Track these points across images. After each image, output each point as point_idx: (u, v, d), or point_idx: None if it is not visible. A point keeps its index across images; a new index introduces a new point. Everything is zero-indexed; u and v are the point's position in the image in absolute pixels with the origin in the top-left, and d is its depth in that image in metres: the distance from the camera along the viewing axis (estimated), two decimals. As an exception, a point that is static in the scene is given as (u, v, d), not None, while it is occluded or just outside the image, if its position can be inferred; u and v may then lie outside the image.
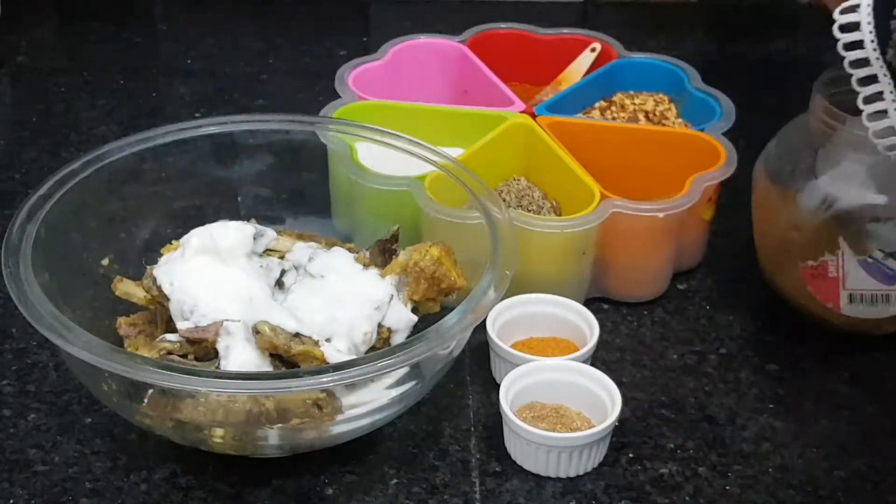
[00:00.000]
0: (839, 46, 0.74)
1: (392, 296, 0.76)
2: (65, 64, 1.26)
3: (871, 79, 0.72)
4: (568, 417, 0.75)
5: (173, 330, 0.74)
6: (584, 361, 0.79)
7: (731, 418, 0.79)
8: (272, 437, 0.71)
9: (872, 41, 0.72)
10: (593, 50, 1.06)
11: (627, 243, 0.86)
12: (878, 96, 0.72)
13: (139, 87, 1.19)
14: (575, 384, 0.76)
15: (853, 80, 0.72)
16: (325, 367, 0.68)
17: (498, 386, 0.80)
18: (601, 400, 0.75)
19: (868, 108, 0.72)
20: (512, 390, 0.75)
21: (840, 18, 0.75)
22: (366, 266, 0.79)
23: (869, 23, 0.73)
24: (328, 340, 0.73)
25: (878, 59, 0.72)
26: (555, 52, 1.07)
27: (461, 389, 0.81)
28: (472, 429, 0.78)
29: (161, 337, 0.74)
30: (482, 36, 1.08)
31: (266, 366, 0.72)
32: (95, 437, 0.76)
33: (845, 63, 0.73)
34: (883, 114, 0.72)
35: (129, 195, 0.84)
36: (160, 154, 0.84)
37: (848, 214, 0.80)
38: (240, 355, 0.72)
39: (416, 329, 0.76)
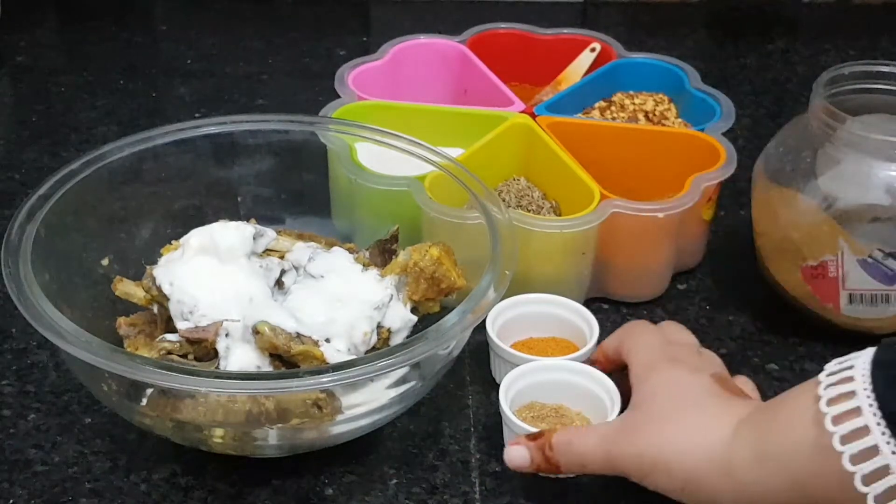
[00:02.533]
0: (845, 460, 0.55)
1: (392, 296, 0.76)
2: (65, 64, 1.26)
3: None
4: (567, 417, 0.75)
5: (173, 330, 0.74)
6: (584, 361, 0.79)
7: (731, 418, 0.79)
8: (272, 437, 0.71)
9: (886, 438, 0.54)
10: (593, 50, 1.06)
11: (627, 243, 0.86)
12: None
13: (139, 87, 1.19)
14: (574, 384, 0.76)
15: None
16: (325, 367, 0.67)
17: (498, 386, 0.81)
18: (601, 400, 0.75)
19: None
20: (512, 390, 0.75)
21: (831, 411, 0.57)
22: (366, 266, 0.79)
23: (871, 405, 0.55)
24: (328, 341, 0.73)
25: None
26: (555, 52, 1.07)
27: (461, 389, 0.81)
28: (472, 429, 0.78)
29: (161, 337, 0.74)
30: (482, 36, 1.08)
31: (266, 366, 0.72)
32: (95, 437, 0.76)
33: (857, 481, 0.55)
34: None
35: (129, 195, 0.84)
36: (160, 154, 0.84)
37: (848, 214, 0.80)
38: (240, 356, 0.72)
39: (416, 329, 0.76)
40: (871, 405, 0.55)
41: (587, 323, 0.81)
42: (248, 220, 0.81)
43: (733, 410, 0.65)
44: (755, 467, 0.60)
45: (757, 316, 0.89)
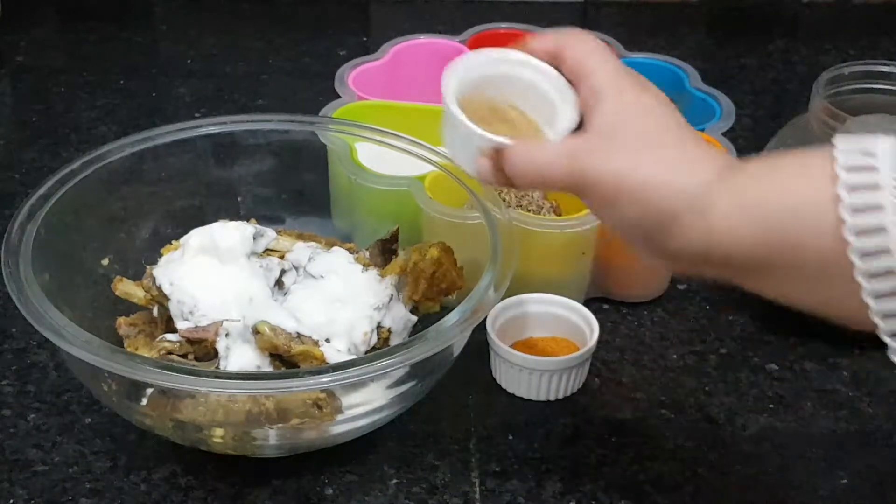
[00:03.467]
0: (859, 274, 0.52)
1: (392, 296, 0.76)
2: (65, 64, 1.26)
3: None
4: (510, 120, 0.65)
5: (173, 330, 0.74)
6: (584, 362, 0.79)
7: (731, 418, 0.79)
8: (272, 437, 0.71)
9: None
10: (593, 50, 1.06)
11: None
12: None
13: (139, 87, 1.19)
14: (518, 78, 0.64)
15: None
16: (325, 367, 0.67)
17: (498, 385, 0.81)
18: (548, 98, 0.63)
19: None
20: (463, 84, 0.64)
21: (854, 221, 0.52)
22: (366, 266, 0.79)
23: None
24: (328, 341, 0.73)
25: None
26: (555, 52, 1.07)
27: (461, 389, 0.81)
28: (472, 429, 0.78)
29: (161, 337, 0.74)
30: (482, 36, 1.08)
31: (266, 366, 0.72)
32: (95, 437, 0.76)
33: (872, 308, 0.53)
34: None
35: (129, 195, 0.84)
36: (160, 154, 0.84)
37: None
38: (240, 356, 0.72)
39: (416, 329, 0.76)
40: (895, 186, 0.51)
41: (587, 323, 0.81)
42: (248, 220, 0.81)
43: (713, 155, 0.59)
44: (736, 215, 0.56)
45: (757, 316, 0.88)
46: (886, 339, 0.53)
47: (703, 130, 0.93)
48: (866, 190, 0.52)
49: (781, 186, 0.55)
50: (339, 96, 0.97)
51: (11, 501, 0.71)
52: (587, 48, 0.63)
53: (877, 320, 0.53)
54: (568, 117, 0.61)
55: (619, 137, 0.59)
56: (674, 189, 0.57)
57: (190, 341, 0.72)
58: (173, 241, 0.79)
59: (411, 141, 0.85)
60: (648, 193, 0.57)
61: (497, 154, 0.61)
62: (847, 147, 0.54)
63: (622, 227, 0.60)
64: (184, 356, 0.73)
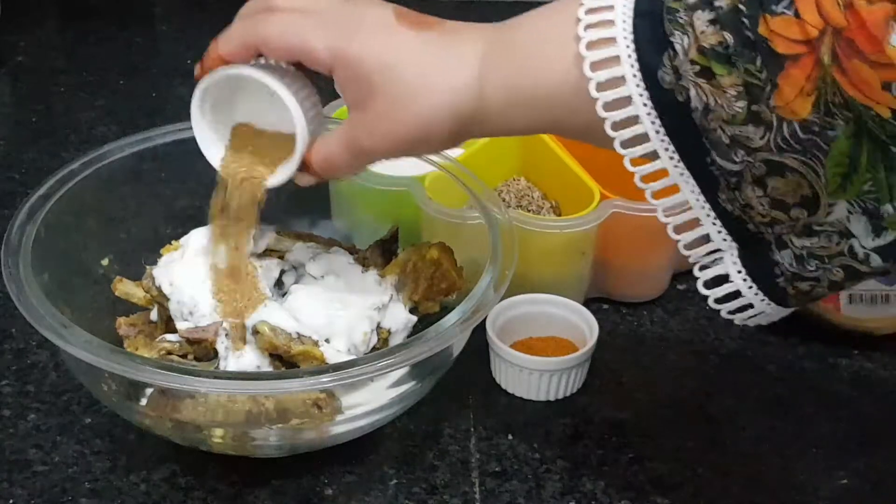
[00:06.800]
0: (599, 106, 0.55)
1: (391, 296, 0.76)
2: (65, 64, 1.26)
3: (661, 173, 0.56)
4: (265, 137, 0.71)
5: (173, 330, 0.74)
6: (584, 362, 0.79)
7: (731, 418, 0.79)
8: (272, 437, 0.71)
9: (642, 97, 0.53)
10: (593, 50, 1.06)
11: (627, 243, 0.86)
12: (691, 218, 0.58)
13: (139, 87, 1.19)
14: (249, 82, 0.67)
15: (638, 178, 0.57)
16: (325, 367, 0.67)
17: (498, 385, 0.81)
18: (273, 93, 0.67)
19: (683, 237, 0.58)
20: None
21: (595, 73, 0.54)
22: (366, 266, 0.79)
23: (633, 67, 0.53)
24: (328, 341, 0.73)
25: (657, 131, 0.54)
26: (555, 52, 1.07)
27: (461, 389, 0.81)
28: (472, 429, 0.78)
29: (161, 337, 0.74)
30: (482, 36, 1.07)
31: (266, 366, 0.72)
32: (95, 437, 0.76)
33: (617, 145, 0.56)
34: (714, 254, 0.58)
35: (129, 195, 0.84)
36: (160, 154, 0.84)
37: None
38: (240, 356, 0.71)
39: (416, 329, 0.76)
40: (629, 55, 0.53)
41: (587, 323, 0.81)
42: (247, 221, 0.81)
43: (470, 51, 0.61)
44: (505, 110, 0.58)
45: (757, 316, 0.88)
46: (651, 201, 0.58)
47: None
48: (608, 64, 0.54)
49: (534, 74, 0.57)
50: (339, 96, 0.97)
51: (11, 501, 0.71)
52: (279, 33, 0.63)
53: (638, 183, 0.56)
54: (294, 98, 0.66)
55: (374, 96, 0.61)
56: (452, 115, 0.59)
57: (190, 342, 0.72)
58: (173, 241, 0.79)
59: (411, 141, 0.84)
60: (433, 134, 0.60)
61: (304, 166, 0.67)
62: (587, 18, 0.55)
63: (422, 154, 0.65)
64: (184, 356, 0.73)
